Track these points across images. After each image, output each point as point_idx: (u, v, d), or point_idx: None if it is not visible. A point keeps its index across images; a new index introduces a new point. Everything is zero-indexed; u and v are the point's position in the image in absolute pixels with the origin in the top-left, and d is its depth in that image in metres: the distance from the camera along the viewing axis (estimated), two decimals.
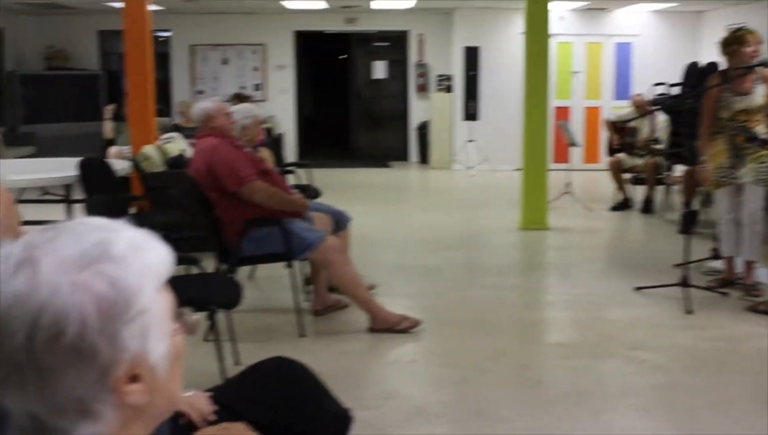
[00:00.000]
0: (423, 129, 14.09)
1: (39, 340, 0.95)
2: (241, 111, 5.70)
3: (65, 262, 0.98)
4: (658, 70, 12.52)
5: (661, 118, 9.35)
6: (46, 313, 0.95)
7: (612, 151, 9.75)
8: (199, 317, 1.17)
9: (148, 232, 1.07)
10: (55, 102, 12.87)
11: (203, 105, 5.20)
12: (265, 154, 6.07)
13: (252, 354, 4.35)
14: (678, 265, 5.88)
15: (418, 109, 14.24)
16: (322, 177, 9.58)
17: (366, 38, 14.87)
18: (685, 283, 5.48)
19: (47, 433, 1.00)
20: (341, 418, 2.28)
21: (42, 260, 0.97)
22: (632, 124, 9.45)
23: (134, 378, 1.01)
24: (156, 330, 1.03)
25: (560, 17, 12.81)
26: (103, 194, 5.79)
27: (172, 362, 1.07)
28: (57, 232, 1.02)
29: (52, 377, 0.97)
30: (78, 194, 6.50)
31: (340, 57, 16.47)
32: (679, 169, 8.94)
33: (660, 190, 9.37)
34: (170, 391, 1.09)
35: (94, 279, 0.97)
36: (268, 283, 6.08)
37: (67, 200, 6.63)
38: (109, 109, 9.95)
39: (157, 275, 1.04)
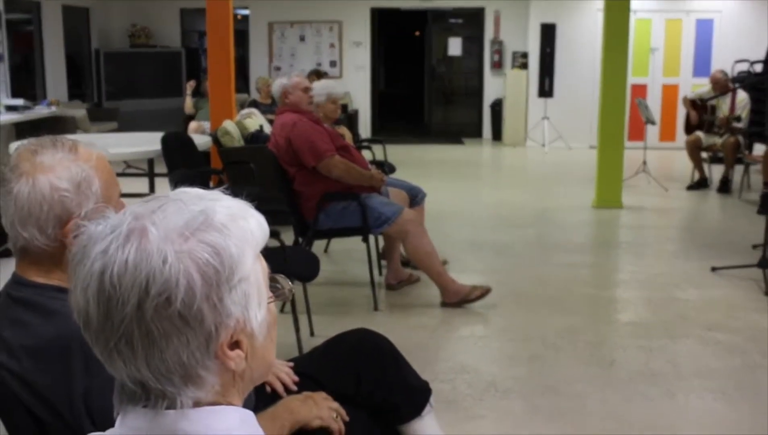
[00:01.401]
0: (497, 106, 14.01)
1: (149, 307, 0.98)
2: (316, 88, 5.78)
3: (172, 231, 1.01)
4: (740, 47, 12.21)
5: (742, 96, 9.13)
6: (155, 281, 0.98)
7: (690, 129, 9.57)
8: (292, 285, 1.22)
9: (243, 202, 1.11)
10: (138, 79, 13.20)
11: (280, 81, 5.29)
12: (344, 130, 6.13)
13: (327, 326, 4.47)
14: (756, 246, 5.79)
15: (492, 86, 14.16)
16: (396, 153, 9.64)
17: (442, 15, 14.82)
18: (763, 264, 5.39)
19: (153, 398, 1.04)
20: (421, 391, 2.33)
21: (150, 230, 1.01)
22: (712, 102, 9.26)
23: (236, 344, 1.05)
24: (255, 297, 1.06)
25: None
26: (185, 168, 5.95)
27: (268, 329, 1.11)
28: (161, 202, 1.05)
29: (161, 343, 1.00)
30: (160, 168, 6.68)
31: (416, 34, 16.44)
32: (760, 148, 8.74)
33: (738, 169, 9.17)
34: (267, 357, 1.13)
35: (198, 247, 1.01)
36: (343, 257, 6.19)
37: (150, 174, 6.83)
38: (190, 85, 10.18)
39: (255, 243, 1.07)
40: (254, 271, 1.07)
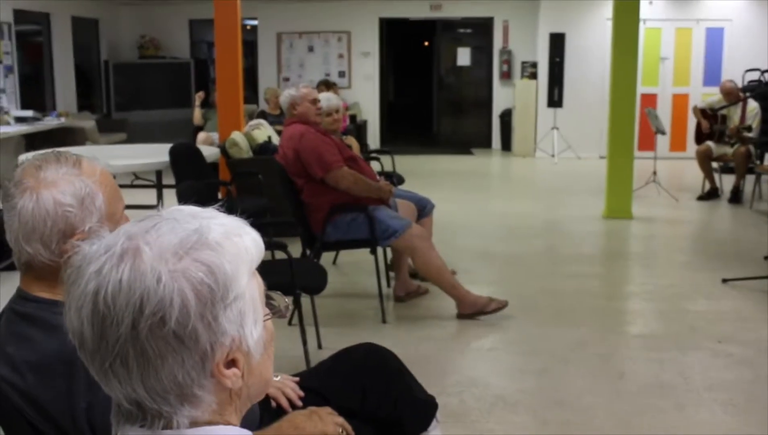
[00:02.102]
0: (506, 116, 14.00)
1: (143, 327, 0.98)
2: (321, 99, 5.77)
3: (165, 250, 1.01)
4: (751, 56, 12.18)
5: (753, 106, 9.10)
6: (149, 301, 0.98)
7: (700, 138, 9.53)
8: (288, 301, 1.21)
9: (238, 219, 1.11)
10: (147, 90, 13.25)
11: (288, 92, 5.28)
12: (352, 141, 6.12)
13: (335, 339, 4.46)
14: None
15: (501, 96, 14.16)
16: (404, 163, 9.64)
17: (450, 25, 14.83)
18: None
19: (149, 418, 1.04)
20: (428, 405, 2.32)
21: (143, 249, 1.01)
22: (722, 111, 9.23)
23: (232, 362, 1.05)
24: (251, 314, 1.06)
25: (649, 2, 12.57)
26: (193, 180, 5.95)
27: (265, 346, 1.10)
28: (155, 221, 1.05)
29: (156, 363, 1.00)
30: (168, 179, 6.69)
31: (425, 44, 16.46)
32: None
33: (750, 179, 9.13)
34: (264, 375, 1.13)
35: (192, 266, 1.00)
36: (351, 268, 6.17)
37: (158, 185, 6.83)
38: (199, 97, 10.20)
39: (250, 260, 1.07)
40: (249, 289, 1.06)
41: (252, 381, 1.09)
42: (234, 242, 1.05)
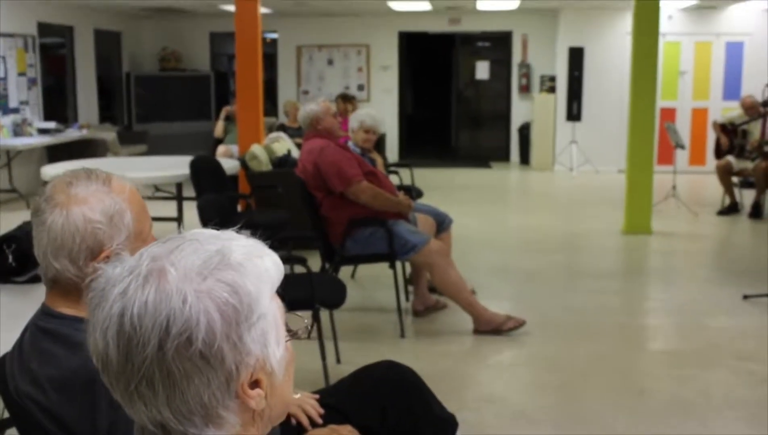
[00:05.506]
0: (525, 130, 13.99)
1: (170, 348, 0.98)
2: (366, 116, 5.81)
3: (190, 270, 1.01)
4: None
5: None
6: (176, 321, 0.98)
7: (720, 153, 9.48)
8: (308, 321, 1.21)
9: (258, 241, 1.11)
10: (168, 102, 13.34)
11: (309, 107, 5.30)
12: (376, 156, 6.14)
13: (353, 353, 4.46)
14: None
15: (520, 110, 14.14)
16: (423, 177, 9.64)
17: (469, 39, 14.85)
18: None
19: None
20: (447, 423, 2.32)
21: (169, 270, 1.01)
22: (743, 126, 9.18)
23: (256, 383, 1.05)
24: (274, 334, 1.07)
25: (668, 16, 12.53)
26: (213, 192, 5.98)
27: (286, 367, 1.11)
28: (178, 242, 1.06)
29: (182, 384, 1.00)
30: (189, 192, 6.72)
31: (443, 57, 16.49)
32: None
33: None
34: (285, 396, 1.13)
35: (217, 286, 1.01)
36: (370, 283, 6.17)
37: (179, 197, 6.87)
38: (226, 111, 10.21)
39: (271, 281, 1.08)
40: (271, 309, 1.07)
41: (274, 401, 1.10)
42: (255, 263, 1.06)
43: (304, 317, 1.21)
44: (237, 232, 1.12)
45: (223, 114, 10.26)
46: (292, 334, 1.14)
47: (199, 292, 1.00)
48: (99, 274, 1.06)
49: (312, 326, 4.13)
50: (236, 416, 1.05)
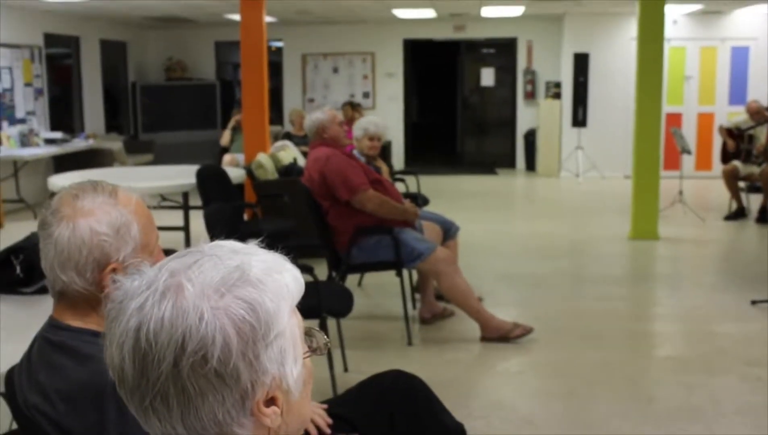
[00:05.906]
0: (530, 136, 13.98)
1: (185, 365, 0.98)
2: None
3: (208, 287, 1.01)
4: None
5: None
6: (192, 339, 0.98)
7: (726, 158, 9.47)
8: (327, 339, 1.20)
9: (279, 255, 1.10)
10: (174, 111, 13.37)
11: (315, 115, 5.30)
12: (381, 163, 6.16)
13: (360, 361, 4.46)
14: None
15: (525, 116, 14.14)
16: (429, 184, 9.64)
17: (474, 45, 14.86)
18: None
19: None
20: (456, 432, 2.31)
21: (186, 286, 1.01)
22: (749, 131, 9.17)
23: (271, 401, 1.04)
24: (291, 352, 1.06)
25: (673, 21, 12.53)
26: (219, 201, 5.99)
27: (304, 383, 1.10)
28: (196, 257, 1.05)
29: (196, 401, 1.00)
30: (195, 201, 6.73)
31: (448, 64, 16.51)
32: None
33: None
34: (302, 413, 1.12)
35: (234, 303, 1.00)
36: (376, 290, 6.17)
37: (185, 207, 6.87)
38: (235, 120, 10.22)
39: (291, 297, 1.07)
40: (290, 326, 1.06)
41: (290, 419, 1.09)
42: (275, 279, 1.05)
43: (324, 334, 1.19)
44: (258, 245, 1.11)
45: (231, 123, 10.26)
46: (311, 350, 1.13)
47: (215, 310, 0.99)
48: (117, 287, 1.05)
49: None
50: (251, 433, 1.04)
